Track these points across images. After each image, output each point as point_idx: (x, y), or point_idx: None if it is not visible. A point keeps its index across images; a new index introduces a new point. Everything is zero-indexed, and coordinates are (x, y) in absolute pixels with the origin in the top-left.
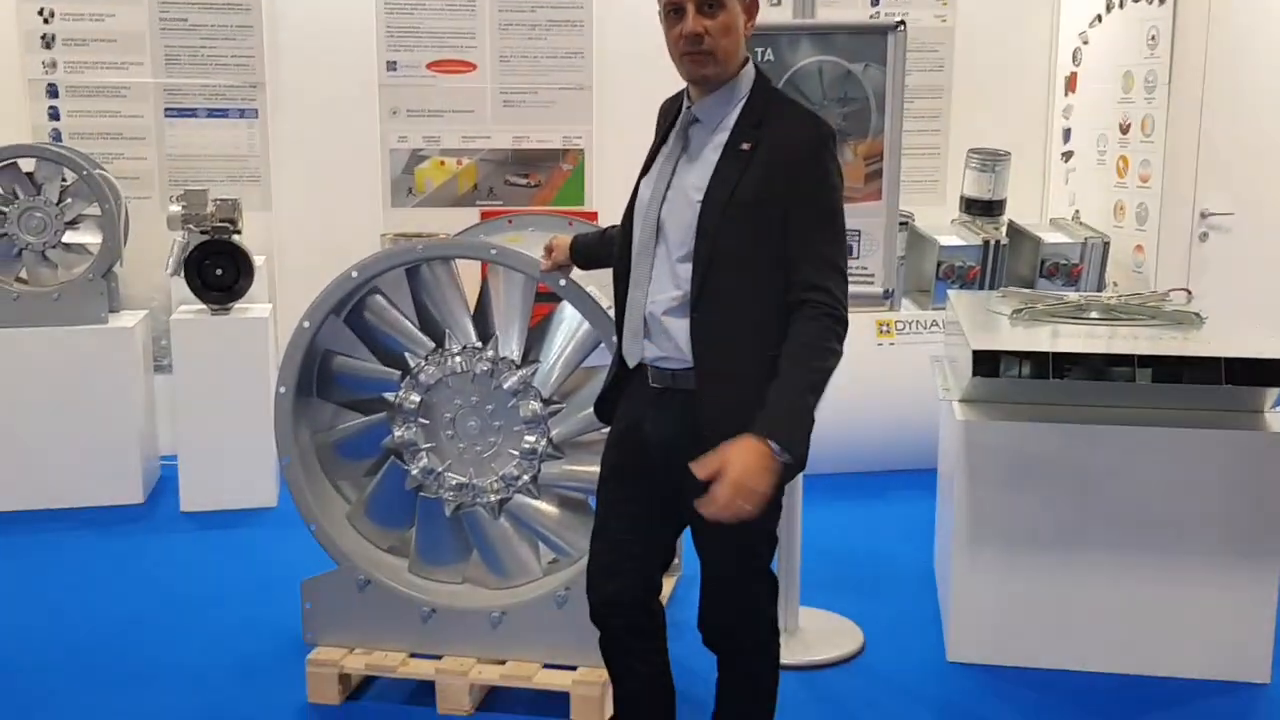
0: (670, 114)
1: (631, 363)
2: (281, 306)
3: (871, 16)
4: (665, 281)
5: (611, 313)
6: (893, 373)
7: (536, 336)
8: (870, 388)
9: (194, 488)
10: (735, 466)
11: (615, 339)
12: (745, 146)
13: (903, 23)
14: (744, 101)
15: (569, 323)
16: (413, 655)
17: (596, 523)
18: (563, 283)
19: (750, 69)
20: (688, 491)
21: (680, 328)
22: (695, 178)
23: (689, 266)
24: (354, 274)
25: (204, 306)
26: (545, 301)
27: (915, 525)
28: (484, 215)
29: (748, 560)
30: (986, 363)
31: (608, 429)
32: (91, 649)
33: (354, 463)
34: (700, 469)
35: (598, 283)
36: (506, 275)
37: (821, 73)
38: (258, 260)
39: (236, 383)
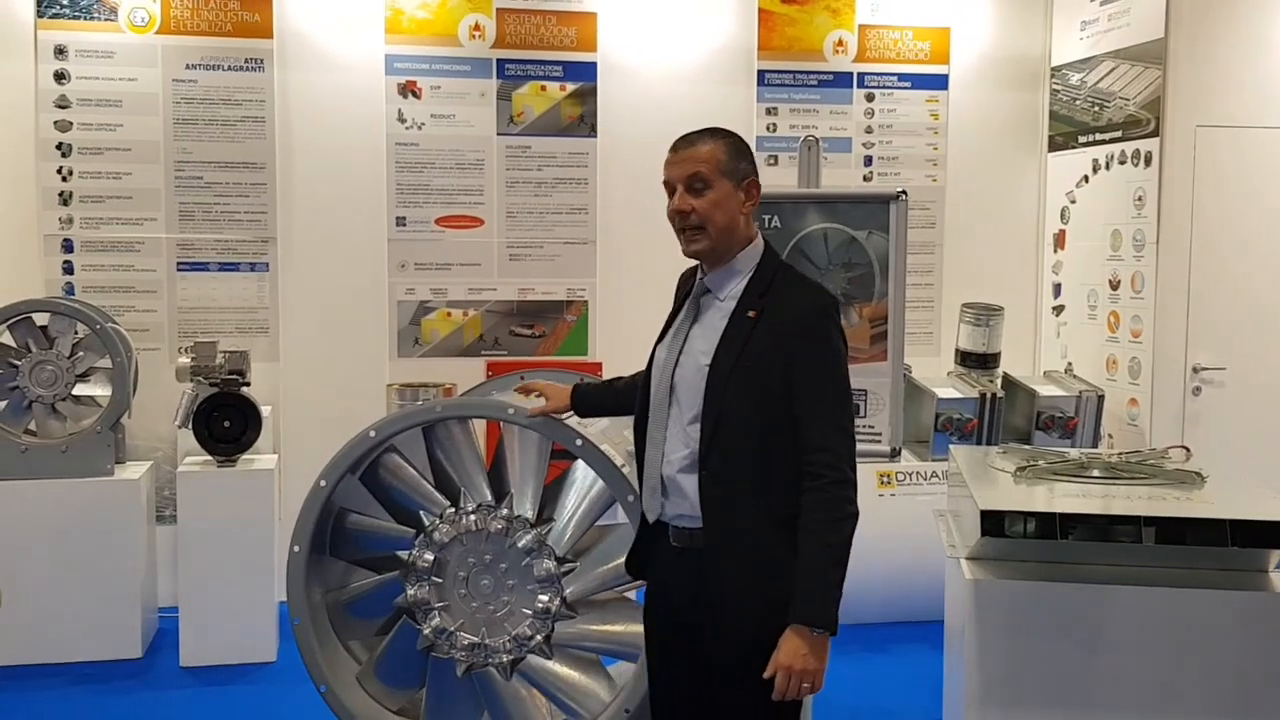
0: (688, 284)
1: (651, 518)
2: (287, 457)
3: (865, 178)
4: (678, 442)
5: (625, 470)
6: (894, 524)
7: (551, 494)
8: (872, 539)
9: (194, 642)
10: (784, 656)
11: (633, 496)
12: (751, 314)
13: (904, 192)
14: (752, 273)
15: (583, 481)
16: None
17: (650, 697)
18: (579, 442)
19: (759, 243)
20: (709, 652)
21: (692, 486)
22: (705, 344)
23: (698, 427)
24: (371, 433)
25: (210, 458)
26: (560, 459)
27: (921, 680)
28: (489, 365)
29: None
30: (995, 523)
31: (623, 587)
32: None
33: (365, 622)
34: (766, 672)
35: (611, 441)
36: (522, 434)
37: (826, 239)
38: (264, 411)
39: (240, 535)
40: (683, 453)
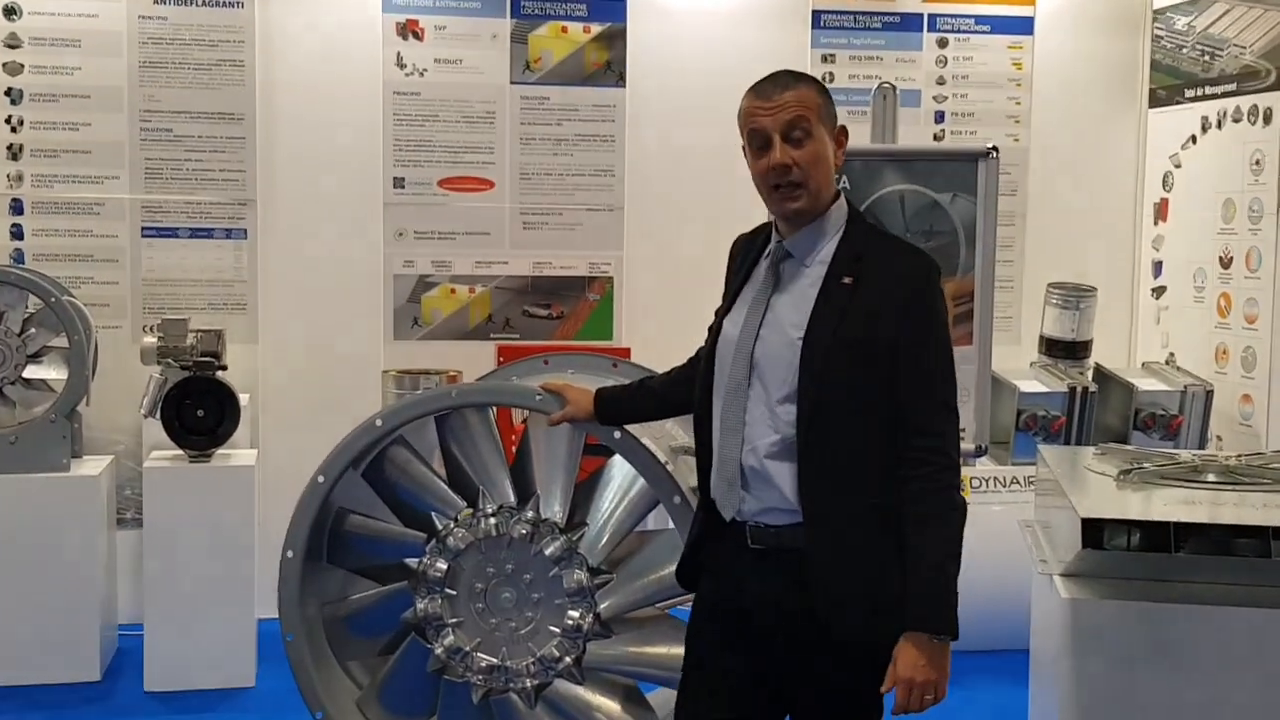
0: (749, 251)
1: (728, 515)
2: (266, 453)
3: (935, 136)
4: (763, 425)
5: (669, 469)
6: (969, 538)
7: (583, 495)
8: None
9: (161, 663)
10: (904, 668)
11: (679, 498)
12: (847, 281)
13: (995, 149)
14: (840, 234)
15: (620, 479)
16: None
17: (684, 707)
18: (617, 435)
19: (842, 201)
20: (801, 667)
21: (784, 474)
22: (793, 314)
23: (791, 408)
24: (378, 422)
25: (180, 452)
26: (594, 455)
27: (1003, 715)
28: (500, 350)
29: None
30: (1099, 534)
31: (666, 602)
32: None
33: (367, 640)
34: (883, 688)
35: (652, 435)
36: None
37: (904, 202)
38: (241, 400)
39: (215, 541)
40: (771, 438)
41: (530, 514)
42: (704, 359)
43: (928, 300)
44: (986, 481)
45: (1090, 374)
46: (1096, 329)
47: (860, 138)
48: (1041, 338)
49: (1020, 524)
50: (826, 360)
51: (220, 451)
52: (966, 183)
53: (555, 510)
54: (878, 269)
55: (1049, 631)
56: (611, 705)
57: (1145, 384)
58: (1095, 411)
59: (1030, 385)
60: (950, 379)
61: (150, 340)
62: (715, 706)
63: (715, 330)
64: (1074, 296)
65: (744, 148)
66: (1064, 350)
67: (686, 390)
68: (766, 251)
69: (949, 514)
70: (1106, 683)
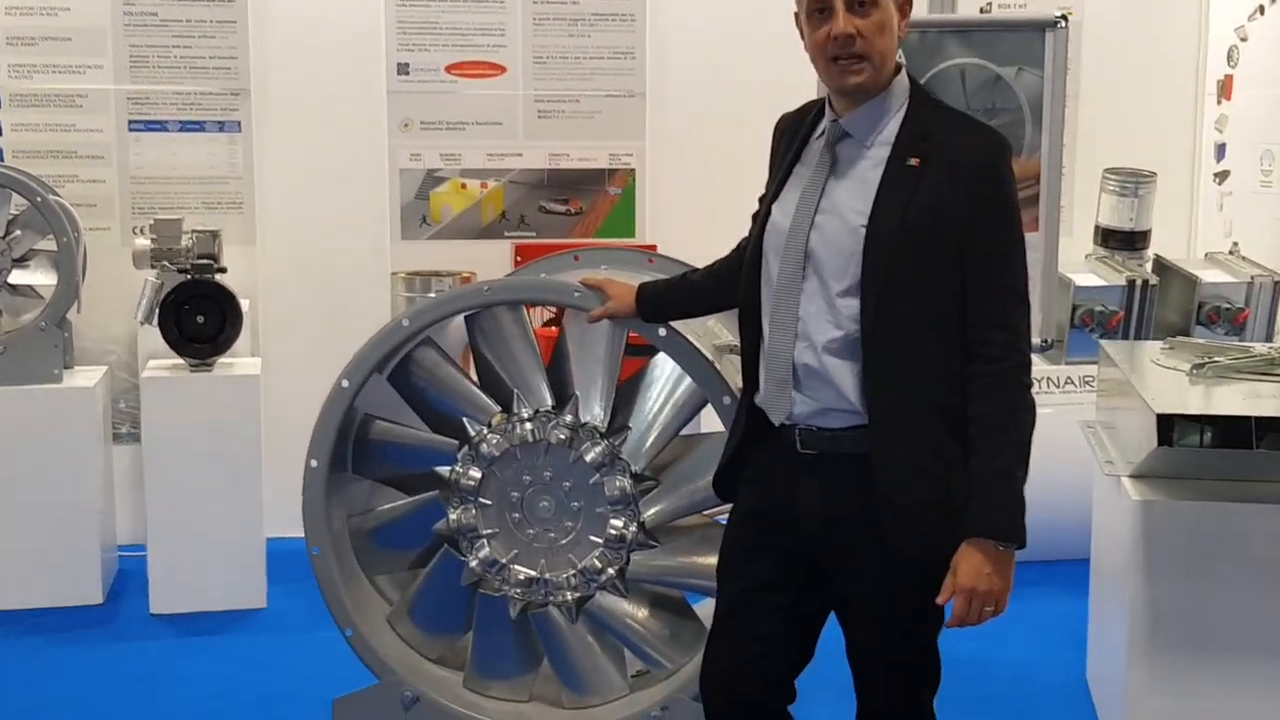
0: (796, 131)
1: (778, 419)
2: (268, 361)
3: (982, 9)
4: (821, 320)
5: (718, 367)
6: None
7: (625, 397)
8: None
9: (166, 585)
10: (965, 576)
11: (729, 398)
12: (913, 162)
13: (1064, 17)
14: (902, 112)
15: (665, 379)
16: None
17: (720, 612)
18: (662, 332)
19: (904, 75)
20: (855, 579)
21: (844, 373)
22: (854, 199)
23: (853, 302)
24: (405, 322)
25: (180, 361)
26: (637, 355)
27: (1058, 629)
28: (516, 249)
29: (913, 676)
30: (1172, 429)
31: (713, 509)
32: None
33: (395, 553)
34: (940, 597)
35: (694, 332)
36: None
37: (964, 77)
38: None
39: (220, 455)
40: (831, 334)
41: (569, 418)
42: (749, 249)
43: (999, 183)
44: (1040, 382)
45: (1150, 266)
46: (1155, 218)
47: (922, 8)
48: (1097, 228)
49: (1081, 425)
50: (893, 249)
51: (222, 360)
52: (1032, 55)
53: (595, 413)
54: (945, 149)
55: (1115, 537)
56: (656, 617)
57: (1209, 275)
58: (1155, 306)
59: (1086, 279)
60: (1022, 268)
61: (143, 242)
62: (753, 620)
63: (761, 218)
64: (1132, 183)
65: (796, 15)
66: (1121, 241)
67: (733, 285)
68: (818, 132)
69: (1019, 414)
70: (1179, 587)
